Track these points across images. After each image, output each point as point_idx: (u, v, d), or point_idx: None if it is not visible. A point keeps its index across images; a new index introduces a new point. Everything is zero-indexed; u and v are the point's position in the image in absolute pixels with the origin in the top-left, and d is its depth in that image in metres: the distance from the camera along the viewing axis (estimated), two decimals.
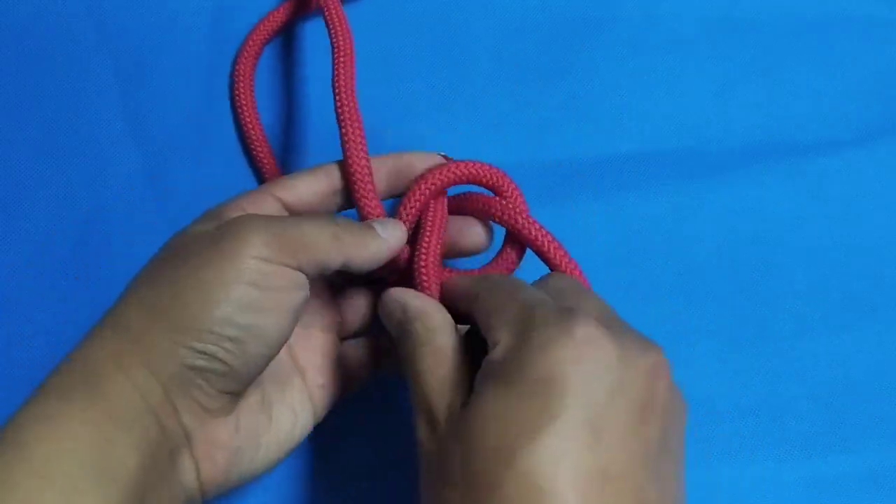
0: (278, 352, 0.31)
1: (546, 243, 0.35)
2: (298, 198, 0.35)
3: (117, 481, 0.26)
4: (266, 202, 0.34)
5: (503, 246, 0.37)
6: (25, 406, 0.27)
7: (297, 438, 0.34)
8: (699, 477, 0.40)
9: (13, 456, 0.26)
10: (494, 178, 0.37)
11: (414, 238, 0.36)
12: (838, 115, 0.46)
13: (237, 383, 0.30)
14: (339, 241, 0.31)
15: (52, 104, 0.43)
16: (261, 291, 0.29)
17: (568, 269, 0.35)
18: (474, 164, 0.36)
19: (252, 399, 0.32)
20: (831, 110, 0.46)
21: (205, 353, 0.28)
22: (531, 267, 0.37)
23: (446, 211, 0.36)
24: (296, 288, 0.30)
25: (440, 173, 0.36)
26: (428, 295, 0.34)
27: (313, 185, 0.35)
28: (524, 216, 0.36)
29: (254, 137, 0.43)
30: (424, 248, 0.35)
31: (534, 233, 0.35)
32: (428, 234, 0.35)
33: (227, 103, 0.44)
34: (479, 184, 0.37)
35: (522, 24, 0.47)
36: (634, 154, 0.45)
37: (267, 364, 0.31)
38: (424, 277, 0.34)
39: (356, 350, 0.36)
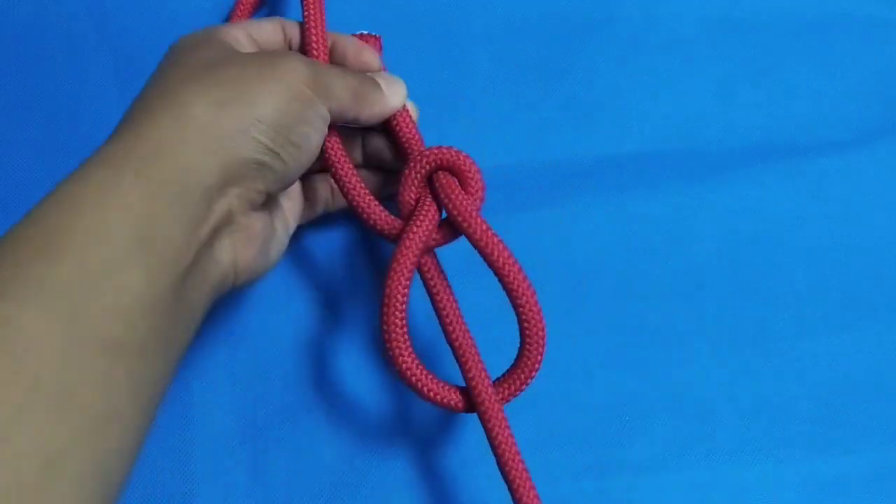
0: (309, 165, 0.34)
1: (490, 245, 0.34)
2: (262, 39, 0.37)
3: (161, 253, 0.27)
4: (241, 35, 0.36)
5: None
6: (80, 171, 0.28)
7: (284, 248, 0.37)
8: (699, 477, 0.40)
9: (67, 217, 0.27)
10: (467, 170, 0.36)
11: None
12: (838, 115, 0.46)
13: (281, 185, 0.33)
14: (356, 100, 0.35)
15: (51, 104, 0.44)
16: (311, 111, 0.33)
17: (511, 275, 0.34)
18: (457, 154, 0.36)
19: (269, 203, 0.35)
20: (831, 110, 0.46)
21: (272, 152, 0.31)
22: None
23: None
24: (326, 121, 0.34)
25: (429, 156, 0.36)
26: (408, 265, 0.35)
27: (274, 35, 0.38)
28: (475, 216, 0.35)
29: None
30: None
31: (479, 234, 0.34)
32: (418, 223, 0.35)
33: None
34: (452, 171, 0.36)
35: (522, 25, 0.47)
36: (634, 154, 0.45)
37: (299, 175, 0.34)
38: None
39: (315, 185, 0.40)
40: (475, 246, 0.34)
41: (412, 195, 0.36)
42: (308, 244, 0.42)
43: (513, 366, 0.35)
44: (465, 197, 0.35)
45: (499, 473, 0.39)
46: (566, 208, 0.44)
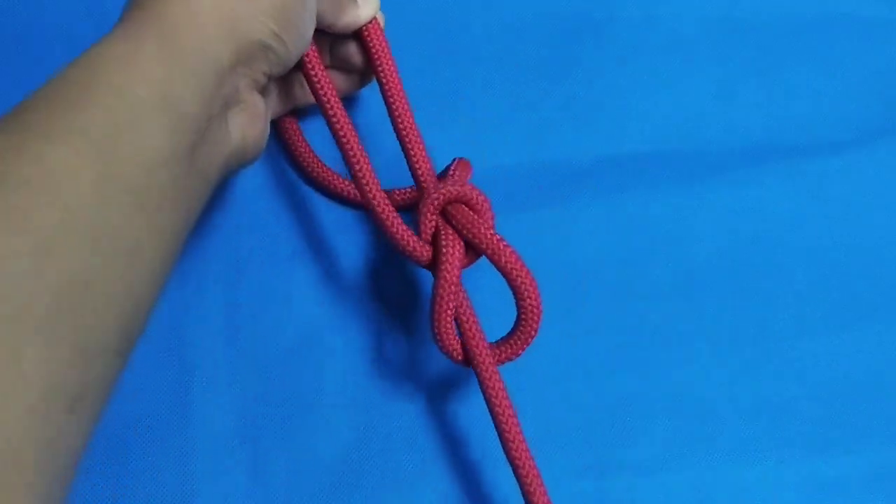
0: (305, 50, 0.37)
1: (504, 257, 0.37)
2: None
3: (180, 116, 0.29)
4: None
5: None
6: (102, 43, 0.30)
7: (267, 135, 0.38)
8: (699, 477, 0.40)
9: (96, 76, 0.28)
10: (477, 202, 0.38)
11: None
12: (838, 115, 0.46)
13: (282, 69, 0.35)
14: (334, 6, 0.38)
15: None
16: (310, 1, 0.35)
17: (523, 285, 0.36)
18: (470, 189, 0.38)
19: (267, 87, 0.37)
20: (831, 111, 0.46)
21: (278, 36, 0.33)
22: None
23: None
24: (314, 15, 0.36)
25: (444, 194, 0.38)
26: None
27: None
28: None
29: None
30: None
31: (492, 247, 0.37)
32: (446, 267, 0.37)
33: None
34: (464, 203, 0.38)
35: (522, 25, 0.47)
36: (634, 154, 0.45)
37: (296, 62, 0.36)
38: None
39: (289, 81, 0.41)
40: (497, 264, 0.36)
41: (430, 226, 0.38)
42: (308, 244, 0.42)
43: (510, 332, 0.38)
44: (482, 223, 0.37)
45: (499, 475, 0.39)
46: (566, 208, 0.44)
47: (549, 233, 0.43)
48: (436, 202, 0.38)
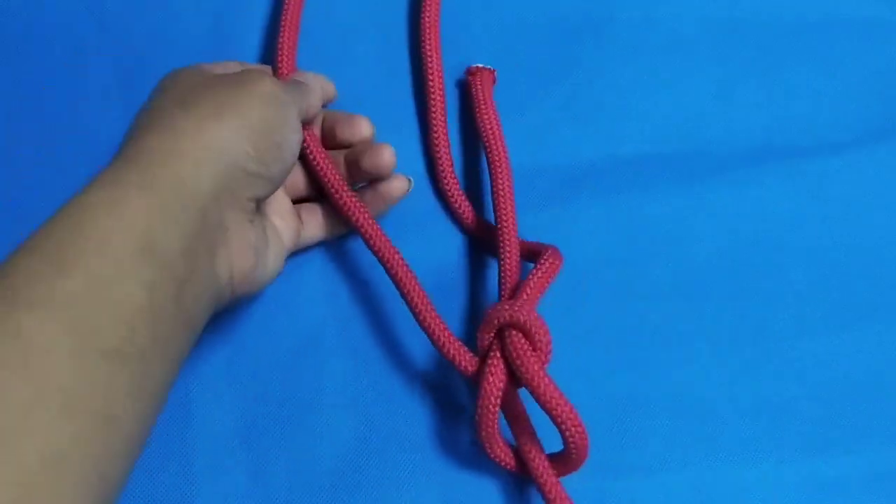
0: (292, 168, 0.37)
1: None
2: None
3: (161, 264, 0.29)
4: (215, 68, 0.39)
5: None
6: (86, 189, 0.30)
7: (280, 264, 0.39)
8: (699, 477, 0.40)
9: (75, 232, 0.28)
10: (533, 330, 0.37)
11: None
12: (838, 115, 0.46)
13: (269, 190, 0.35)
14: (325, 93, 0.40)
15: (52, 105, 0.44)
16: (285, 113, 0.36)
17: (569, 424, 0.35)
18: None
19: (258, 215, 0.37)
20: (831, 111, 0.46)
21: (257, 158, 0.34)
22: None
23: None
24: (300, 121, 0.37)
25: (502, 314, 0.37)
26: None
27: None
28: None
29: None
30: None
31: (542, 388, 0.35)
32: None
33: None
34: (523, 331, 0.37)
35: (522, 25, 0.47)
36: (634, 154, 0.45)
37: (285, 179, 0.37)
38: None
39: (311, 211, 0.42)
40: (539, 403, 0.35)
41: (484, 344, 0.37)
42: (309, 245, 0.42)
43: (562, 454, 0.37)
44: (533, 359, 0.36)
45: (496, 475, 0.39)
46: (566, 208, 0.44)
47: (550, 233, 0.43)
48: (493, 322, 0.37)
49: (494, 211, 0.41)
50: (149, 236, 0.29)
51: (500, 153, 0.42)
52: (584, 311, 0.42)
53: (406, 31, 0.47)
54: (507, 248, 0.40)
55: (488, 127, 0.42)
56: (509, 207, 0.41)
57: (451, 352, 0.38)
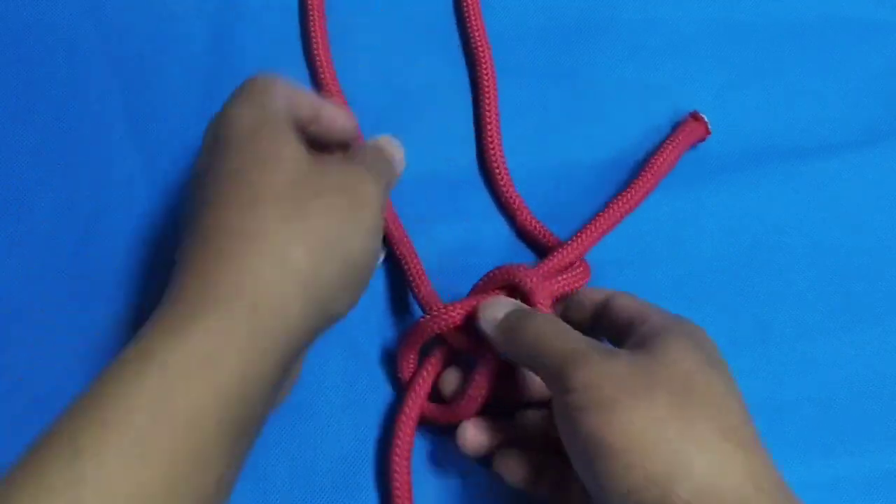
0: None
1: None
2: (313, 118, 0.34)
3: (243, 434, 0.26)
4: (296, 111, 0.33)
5: None
6: (143, 345, 0.26)
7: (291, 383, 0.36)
8: None
9: (154, 401, 0.24)
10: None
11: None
12: (838, 117, 0.46)
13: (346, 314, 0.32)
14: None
15: (53, 105, 0.43)
16: (380, 240, 0.33)
17: None
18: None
19: None
20: (831, 113, 0.46)
21: (352, 306, 0.31)
22: None
23: None
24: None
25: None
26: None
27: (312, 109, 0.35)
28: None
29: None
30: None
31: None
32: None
33: None
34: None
35: (523, 26, 0.47)
36: (635, 156, 0.45)
37: None
38: None
39: None
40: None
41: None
42: None
43: None
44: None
45: (496, 477, 0.39)
46: (566, 211, 0.44)
47: None
48: (494, 279, 0.37)
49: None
50: (238, 410, 0.25)
51: None
52: None
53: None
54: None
55: None
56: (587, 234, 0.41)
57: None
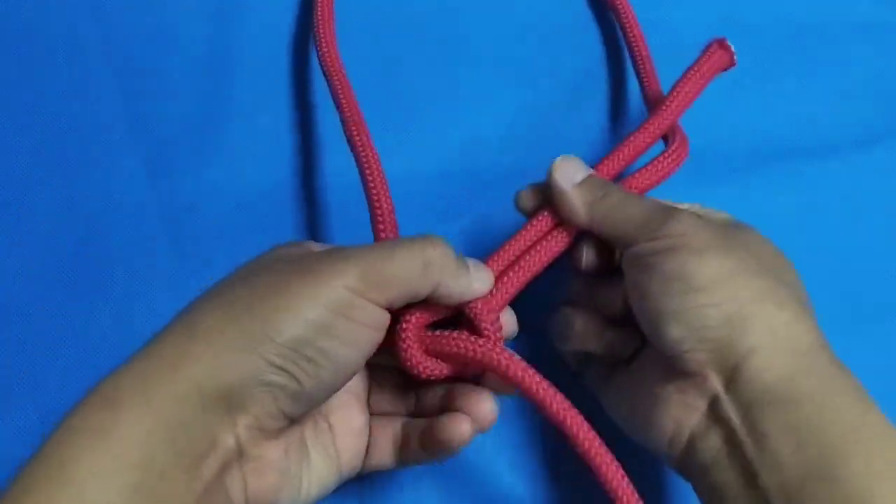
0: (343, 386, 0.31)
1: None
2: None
3: (160, 500, 0.26)
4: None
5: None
6: (76, 411, 0.27)
7: (328, 484, 0.33)
8: None
9: (56, 474, 0.25)
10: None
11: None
12: (839, 117, 0.46)
13: (302, 407, 0.30)
14: (428, 268, 0.31)
15: (54, 105, 0.43)
16: (346, 321, 0.29)
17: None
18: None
19: (296, 430, 0.32)
20: (832, 113, 0.46)
21: (283, 370, 0.28)
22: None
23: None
24: (374, 328, 0.30)
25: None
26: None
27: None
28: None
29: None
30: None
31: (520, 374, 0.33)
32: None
33: (229, 103, 0.44)
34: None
35: (523, 27, 0.47)
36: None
37: (330, 395, 0.30)
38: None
39: (385, 430, 0.35)
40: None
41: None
42: None
43: None
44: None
45: (500, 475, 0.39)
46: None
47: None
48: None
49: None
50: (146, 469, 0.26)
51: None
52: None
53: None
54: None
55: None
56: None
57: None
